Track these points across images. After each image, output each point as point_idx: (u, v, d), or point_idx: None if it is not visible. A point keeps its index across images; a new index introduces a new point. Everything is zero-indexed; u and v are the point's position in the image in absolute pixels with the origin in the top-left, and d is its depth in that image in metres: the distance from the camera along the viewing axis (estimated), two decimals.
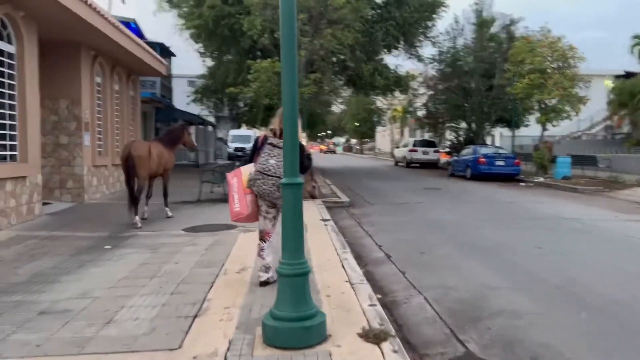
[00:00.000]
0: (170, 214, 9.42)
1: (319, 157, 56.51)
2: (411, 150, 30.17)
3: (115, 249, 6.73)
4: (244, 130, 40.84)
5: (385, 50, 23.45)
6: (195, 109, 27.58)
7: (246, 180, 4.79)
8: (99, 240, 7.34)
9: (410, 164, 30.18)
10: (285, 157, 3.71)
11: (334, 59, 18.77)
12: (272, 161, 4.64)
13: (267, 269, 4.89)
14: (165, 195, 9.49)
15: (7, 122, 8.49)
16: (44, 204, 10.20)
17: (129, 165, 8.43)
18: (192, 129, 9.84)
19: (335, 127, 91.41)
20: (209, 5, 18.11)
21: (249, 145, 39.31)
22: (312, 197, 12.73)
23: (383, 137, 61.94)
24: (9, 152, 8.53)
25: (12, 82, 8.56)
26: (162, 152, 9.19)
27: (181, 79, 32.04)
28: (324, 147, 75.31)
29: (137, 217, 8.39)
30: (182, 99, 28.58)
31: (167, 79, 25.60)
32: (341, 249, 6.72)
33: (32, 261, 6.01)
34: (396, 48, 23.70)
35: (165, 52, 25.06)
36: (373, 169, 30.17)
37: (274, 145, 4.68)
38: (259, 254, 4.96)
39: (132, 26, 22.75)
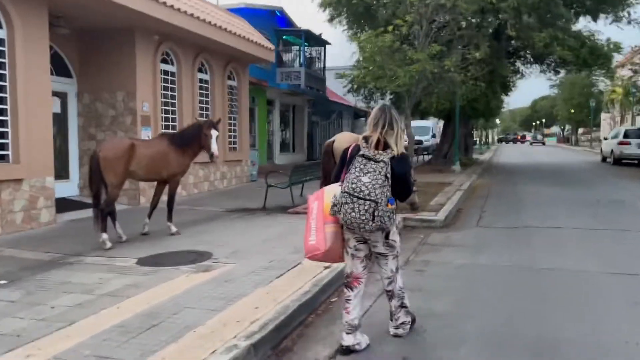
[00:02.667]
0: (174, 229, 7.41)
1: (510, 149, 49.77)
2: (621, 143, 23.12)
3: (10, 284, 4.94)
4: (421, 122, 37.49)
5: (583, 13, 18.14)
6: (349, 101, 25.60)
7: (329, 204, 3.56)
8: (33, 264, 5.72)
9: (619, 161, 23.23)
10: None
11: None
12: (365, 179, 3.45)
13: (352, 328, 3.66)
14: (169, 206, 7.49)
15: None
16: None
17: (91, 168, 6.64)
18: (214, 133, 7.54)
19: (548, 114, 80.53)
20: None
21: (426, 138, 36.05)
22: (413, 207, 9.48)
23: (608, 125, 51.48)
24: None
25: (2, 72, 7.51)
26: (165, 154, 7.21)
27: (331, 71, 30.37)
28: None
29: (104, 235, 6.54)
30: (341, 91, 26.85)
31: (312, 69, 24.03)
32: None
33: None
34: (593, 13, 18.13)
35: (313, 39, 23.52)
36: (564, 166, 24.16)
37: (368, 159, 3.51)
38: (344, 307, 3.75)
39: (277, 14, 21.79)
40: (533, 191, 13.23)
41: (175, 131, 8.35)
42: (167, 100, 11.38)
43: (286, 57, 23.75)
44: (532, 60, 22.75)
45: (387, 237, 3.63)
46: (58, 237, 7.36)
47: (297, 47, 23.37)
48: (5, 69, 7.52)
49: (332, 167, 8.97)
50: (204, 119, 8.19)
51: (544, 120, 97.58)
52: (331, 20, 19.24)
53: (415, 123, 38.08)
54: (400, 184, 3.51)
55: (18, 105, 7.57)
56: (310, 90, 22.78)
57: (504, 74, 18.83)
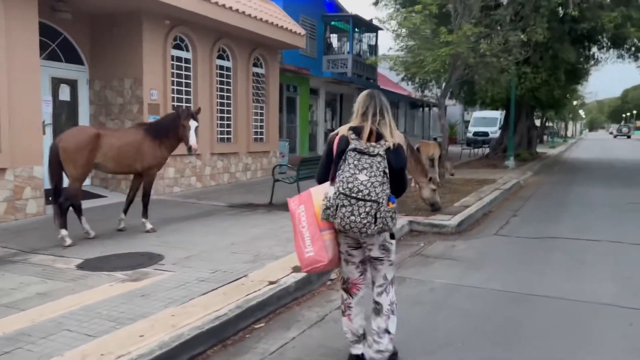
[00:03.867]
0: (148, 227, 6.88)
1: (591, 144, 45.45)
2: None
3: None
4: (488, 112, 35.26)
5: None
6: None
7: (319, 208, 3.13)
8: None
9: None
10: None
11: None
12: (362, 177, 2.99)
13: (357, 337, 3.31)
14: (144, 200, 6.96)
15: None
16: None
17: (50, 159, 6.19)
18: (193, 123, 6.93)
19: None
20: None
21: (493, 129, 33.84)
22: (433, 208, 8.45)
23: None
24: None
25: None
26: (138, 144, 6.68)
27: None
28: None
29: (63, 232, 6.11)
30: (396, 79, 25.52)
31: (363, 57, 22.91)
32: None
33: None
34: None
35: (363, 25, 22.42)
36: (634, 164, 21.59)
37: (361, 152, 3.04)
38: (345, 314, 3.35)
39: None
40: (587, 194, 11.59)
41: (152, 120, 7.80)
42: (181, 87, 10.92)
43: (336, 44, 22.85)
44: (608, 44, 20.43)
45: (384, 238, 3.17)
46: (33, 230, 7.06)
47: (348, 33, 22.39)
48: None
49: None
50: (184, 107, 7.53)
51: (634, 112, 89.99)
52: (376, 3, 18.11)
53: (481, 114, 36.16)
54: (397, 180, 3.09)
55: None
56: (358, 79, 21.75)
57: (570, 60, 16.83)
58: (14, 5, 7.46)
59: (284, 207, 8.76)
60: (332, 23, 21.73)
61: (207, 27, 11.11)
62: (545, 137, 43.81)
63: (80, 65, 10.24)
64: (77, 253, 5.76)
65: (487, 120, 35.49)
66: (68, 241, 6.08)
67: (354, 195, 2.95)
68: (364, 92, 3.32)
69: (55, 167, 6.16)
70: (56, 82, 9.79)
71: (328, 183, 3.21)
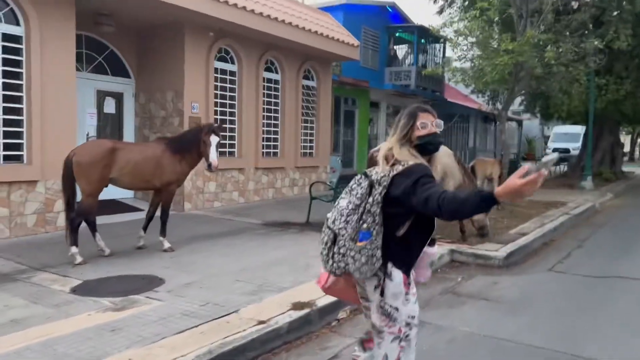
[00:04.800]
0: (166, 246, 6.56)
1: None
2: None
3: None
4: (570, 127, 32.81)
5: None
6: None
7: None
8: None
9: None
10: None
11: None
12: (342, 202, 2.57)
13: None
14: (162, 218, 6.64)
15: (12, 117, 7.30)
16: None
17: (63, 173, 6.00)
18: (214, 139, 6.82)
19: None
20: None
21: (574, 145, 31.41)
22: (481, 234, 7.56)
23: None
24: (5, 153, 7.31)
25: (18, 70, 7.33)
26: (157, 159, 6.39)
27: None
28: None
29: (73, 249, 5.89)
30: (465, 91, 24.24)
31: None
32: None
33: None
34: None
35: (429, 36, 21.43)
36: None
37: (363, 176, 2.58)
38: None
39: (388, 10, 20.32)
40: None
41: (175, 135, 7.53)
42: (225, 101, 10.69)
43: (400, 55, 22.06)
44: None
45: (382, 293, 2.48)
46: (56, 244, 6.89)
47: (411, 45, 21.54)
48: (22, 67, 7.33)
49: None
50: (209, 122, 7.22)
51: None
52: (440, 12, 17.22)
53: (562, 129, 33.79)
54: (403, 214, 2.45)
55: (32, 104, 7.34)
56: (422, 91, 20.80)
57: None
58: (49, 15, 7.48)
59: (319, 227, 8.21)
60: (397, 34, 20.99)
61: (254, 39, 10.83)
62: (638, 155, 40.20)
63: (127, 78, 10.28)
64: (81, 273, 5.49)
65: (569, 136, 33.14)
66: (78, 259, 5.85)
67: (325, 221, 2.62)
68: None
69: (68, 181, 5.97)
70: (102, 95, 9.87)
71: None
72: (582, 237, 8.48)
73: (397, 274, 2.44)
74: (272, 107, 11.92)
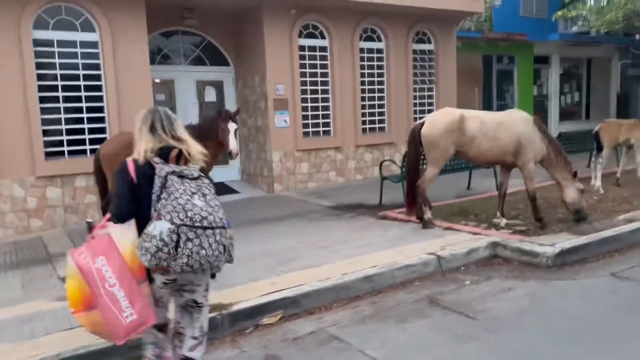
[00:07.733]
0: None
1: None
2: None
3: None
4: None
5: None
6: None
7: (130, 253, 2.59)
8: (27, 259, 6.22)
9: None
10: None
11: None
12: (198, 202, 2.61)
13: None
14: None
15: (94, 115, 8.27)
16: None
17: (94, 165, 6.51)
18: (232, 126, 6.43)
19: None
20: None
21: None
22: (577, 218, 6.03)
23: None
24: (91, 147, 8.30)
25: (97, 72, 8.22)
26: None
27: None
28: None
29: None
30: None
31: None
32: None
33: None
34: None
35: None
36: None
37: (181, 177, 2.66)
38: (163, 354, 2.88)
39: None
40: None
41: (196, 123, 7.46)
42: (315, 79, 10.34)
43: None
44: None
45: (213, 276, 2.87)
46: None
47: None
48: (100, 70, 8.19)
49: (419, 161, 6.52)
50: (225, 109, 7.03)
51: None
52: None
53: None
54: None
55: (109, 105, 8.17)
56: (611, 37, 17.03)
57: None
58: (121, 28, 8.14)
59: (388, 209, 7.42)
60: None
61: (344, 8, 10.19)
62: None
63: (226, 67, 10.72)
64: None
65: None
66: None
67: (199, 224, 2.54)
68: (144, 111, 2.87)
69: (98, 174, 6.49)
70: (201, 85, 10.50)
71: (133, 221, 2.64)
72: None
73: None
74: (376, 79, 11.11)
